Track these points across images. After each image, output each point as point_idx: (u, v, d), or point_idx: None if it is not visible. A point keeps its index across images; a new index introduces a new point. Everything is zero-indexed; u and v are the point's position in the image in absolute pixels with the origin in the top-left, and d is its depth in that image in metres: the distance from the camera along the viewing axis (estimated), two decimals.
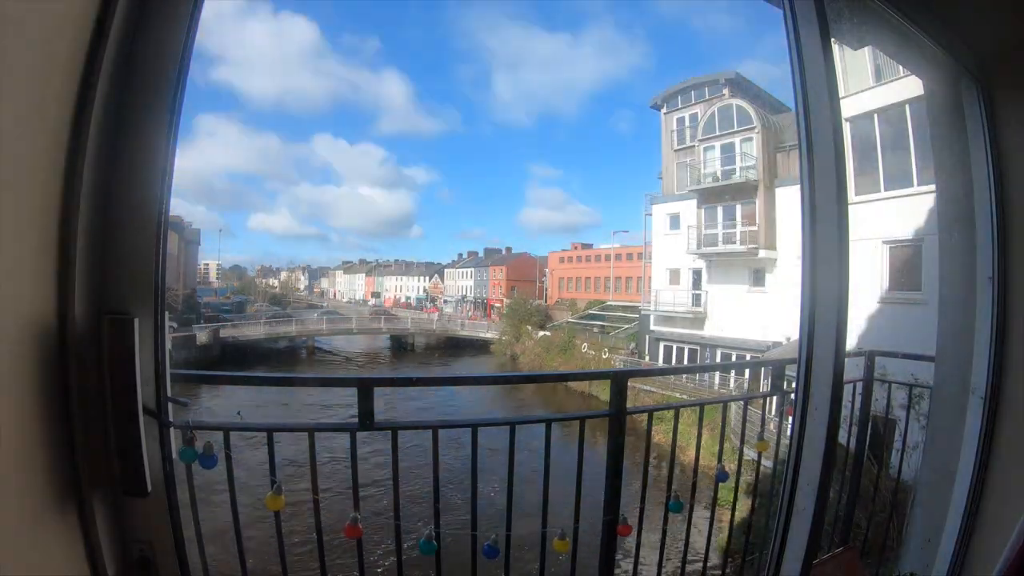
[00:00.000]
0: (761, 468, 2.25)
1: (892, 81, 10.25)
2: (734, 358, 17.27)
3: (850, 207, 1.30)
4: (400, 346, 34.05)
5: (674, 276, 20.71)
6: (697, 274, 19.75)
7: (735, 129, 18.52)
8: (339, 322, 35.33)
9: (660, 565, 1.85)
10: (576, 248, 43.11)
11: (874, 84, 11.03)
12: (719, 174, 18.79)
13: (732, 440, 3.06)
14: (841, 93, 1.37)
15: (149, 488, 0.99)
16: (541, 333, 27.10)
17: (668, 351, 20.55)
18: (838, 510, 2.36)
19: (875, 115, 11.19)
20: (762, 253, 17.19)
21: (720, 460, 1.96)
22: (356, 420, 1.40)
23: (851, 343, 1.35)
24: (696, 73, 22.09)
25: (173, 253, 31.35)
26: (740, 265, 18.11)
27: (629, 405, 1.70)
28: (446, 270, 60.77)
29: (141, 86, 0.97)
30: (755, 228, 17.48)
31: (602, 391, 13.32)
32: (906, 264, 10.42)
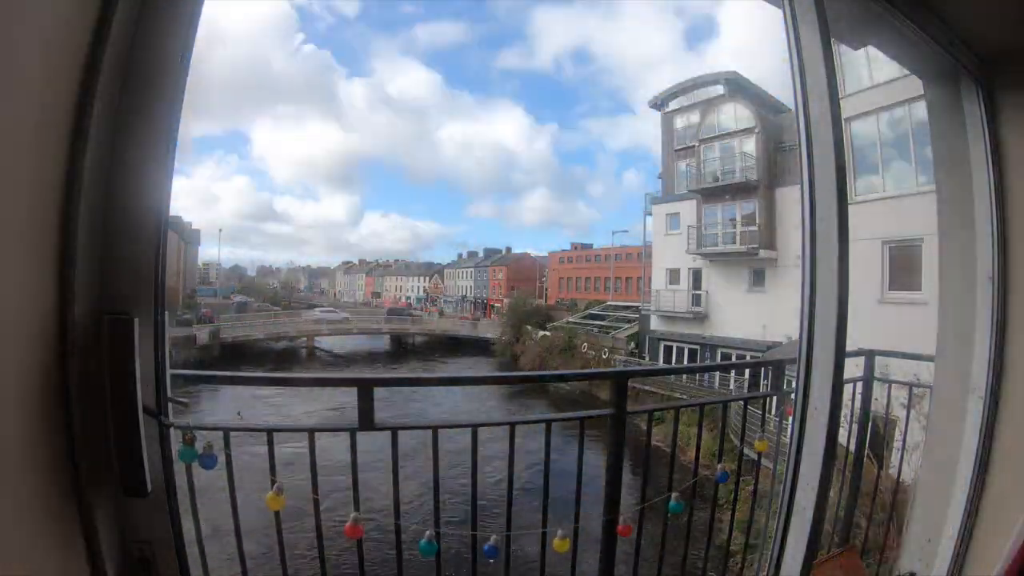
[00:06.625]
0: (761, 468, 2.25)
1: (892, 81, 10.25)
2: (734, 358, 17.27)
3: (850, 207, 1.30)
4: (400, 346, 34.10)
5: (674, 276, 20.71)
6: (697, 274, 19.75)
7: (735, 129, 18.53)
8: (339, 322, 35.57)
9: (660, 565, 1.85)
10: (576, 248, 43.12)
11: (874, 84, 11.04)
12: (719, 174, 18.80)
13: (732, 440, 3.06)
14: (841, 93, 1.37)
15: (149, 488, 0.99)
16: (541, 333, 27.08)
17: (668, 351, 20.55)
18: (838, 510, 2.36)
19: (875, 115, 11.20)
20: (762, 253, 17.19)
21: (720, 460, 1.96)
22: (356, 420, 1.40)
23: (851, 343, 1.35)
24: (696, 73, 22.10)
25: (173, 253, 31.37)
26: (740, 265, 18.12)
27: (629, 405, 1.70)
28: (446, 270, 60.80)
29: (142, 87, 0.97)
30: (755, 228, 17.49)
31: (602, 391, 13.31)
32: (906, 264, 10.42)
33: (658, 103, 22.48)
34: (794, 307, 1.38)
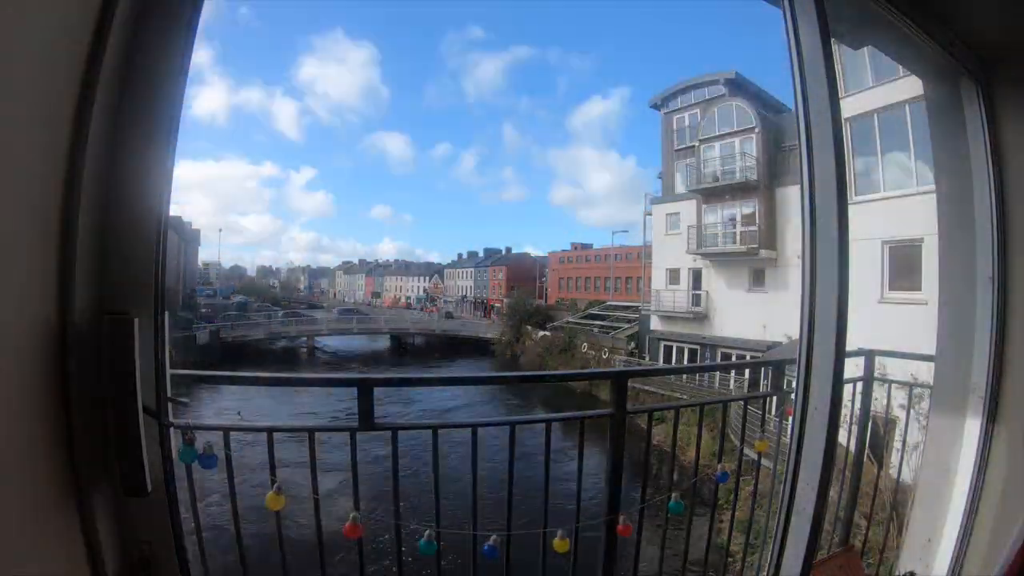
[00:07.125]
0: (761, 468, 2.25)
1: (892, 81, 10.24)
2: (734, 358, 17.26)
3: (850, 207, 1.30)
4: (400, 346, 34.15)
5: (674, 276, 20.70)
6: (697, 274, 19.74)
7: (735, 129, 18.53)
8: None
9: (660, 565, 1.85)
10: (576, 248, 43.10)
11: (874, 84, 11.04)
12: (719, 174, 18.79)
13: (732, 440, 3.07)
14: (841, 93, 1.37)
15: (149, 488, 0.99)
16: (541, 333, 27.09)
17: (668, 351, 20.54)
18: (838, 510, 2.36)
19: (875, 115, 11.20)
20: (762, 253, 17.19)
21: (720, 460, 1.96)
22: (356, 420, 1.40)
23: (851, 343, 1.35)
24: (696, 73, 22.09)
25: (173, 253, 31.36)
26: (740, 265, 18.11)
27: (629, 405, 1.70)
28: (446, 270, 60.86)
29: (142, 87, 0.97)
30: (755, 228, 17.48)
31: (603, 391, 13.30)
32: (906, 264, 10.42)
33: (658, 103, 22.46)
34: (794, 307, 1.38)
